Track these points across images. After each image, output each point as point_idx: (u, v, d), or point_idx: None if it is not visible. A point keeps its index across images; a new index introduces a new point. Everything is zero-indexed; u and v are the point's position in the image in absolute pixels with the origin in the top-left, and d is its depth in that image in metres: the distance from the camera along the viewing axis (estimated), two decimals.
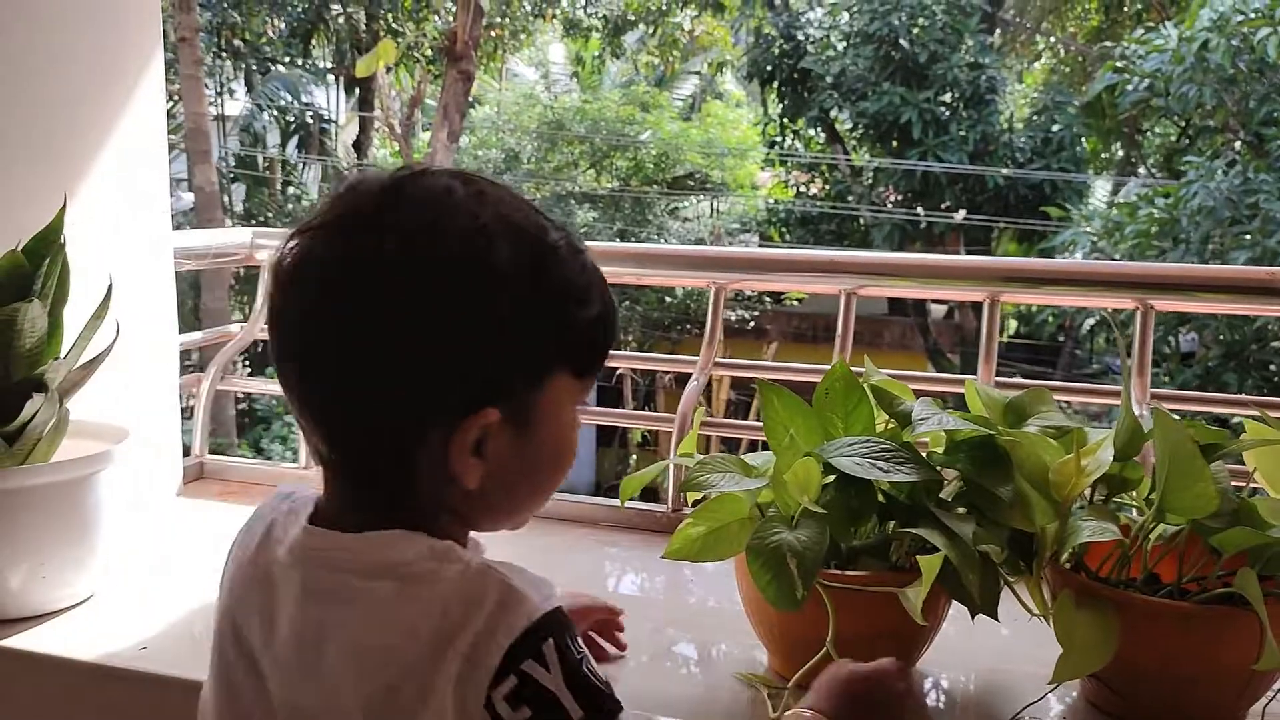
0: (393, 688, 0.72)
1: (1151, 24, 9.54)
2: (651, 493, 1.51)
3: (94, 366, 1.36)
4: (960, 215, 14.57)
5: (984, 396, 1.19)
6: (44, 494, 1.27)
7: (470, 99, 12.76)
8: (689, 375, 1.72)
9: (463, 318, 0.74)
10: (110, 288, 1.34)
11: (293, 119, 17.29)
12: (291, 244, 0.77)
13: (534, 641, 0.71)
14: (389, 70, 13.70)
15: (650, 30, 18.06)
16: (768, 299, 15.02)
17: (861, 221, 15.21)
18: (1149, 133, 13.84)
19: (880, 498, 1.11)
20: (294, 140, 17.71)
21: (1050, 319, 12.87)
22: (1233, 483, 1.06)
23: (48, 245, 1.28)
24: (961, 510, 1.11)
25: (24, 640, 1.27)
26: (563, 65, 20.97)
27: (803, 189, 16.80)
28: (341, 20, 16.20)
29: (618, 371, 12.50)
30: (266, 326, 0.80)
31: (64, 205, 1.29)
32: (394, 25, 13.98)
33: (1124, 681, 1.07)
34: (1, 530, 1.27)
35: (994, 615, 1.07)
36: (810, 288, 1.76)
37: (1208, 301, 1.79)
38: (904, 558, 1.12)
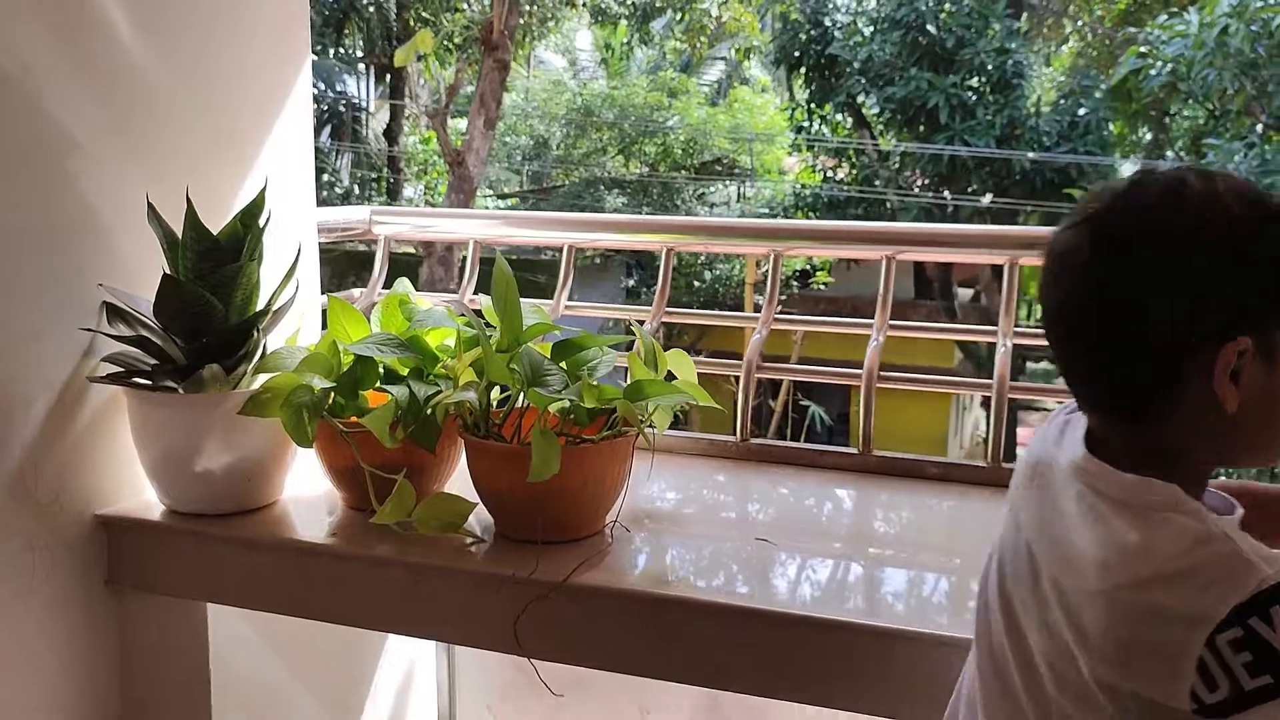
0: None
1: (1175, 9, 9.71)
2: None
3: (282, 315, 1.69)
4: (987, 199, 14.76)
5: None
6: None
7: (504, 86, 13.05)
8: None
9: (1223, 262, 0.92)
10: (299, 252, 1.68)
11: (325, 107, 17.67)
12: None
13: (1262, 604, 0.85)
14: (419, 59, 13.99)
15: (678, 16, 18.20)
16: (795, 284, 15.31)
17: (888, 205, 15.42)
18: (1176, 116, 13.98)
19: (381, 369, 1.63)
20: (327, 128, 18.10)
21: None
22: None
23: (253, 217, 1.61)
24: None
25: (238, 528, 1.61)
26: (590, 52, 21.21)
27: (830, 174, 17.01)
28: (372, 10, 16.55)
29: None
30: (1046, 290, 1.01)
31: (265, 186, 1.62)
32: (424, 14, 14.27)
33: None
34: (218, 442, 1.61)
35: (431, 448, 1.56)
36: (856, 254, 2.06)
37: None
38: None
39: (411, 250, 12.20)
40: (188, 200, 1.54)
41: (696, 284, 15.01)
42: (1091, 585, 0.92)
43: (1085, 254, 0.96)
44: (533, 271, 11.02)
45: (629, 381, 1.58)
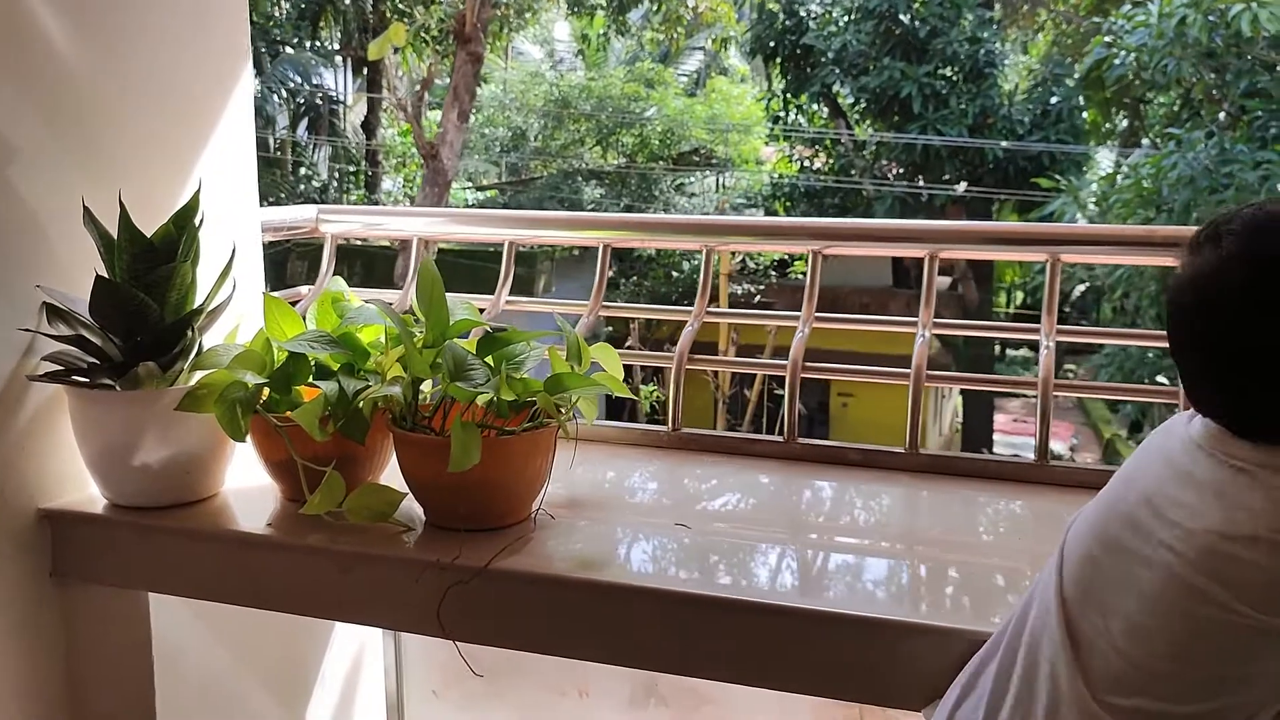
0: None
1: None
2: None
3: (218, 313, 1.75)
4: (961, 187, 14.87)
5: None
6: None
7: (478, 79, 13.08)
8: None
9: None
10: (234, 252, 1.73)
11: (302, 101, 17.62)
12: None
13: None
14: (396, 51, 13.98)
15: (654, 7, 18.22)
16: (773, 274, 15.40)
17: (864, 194, 15.52)
18: (1153, 104, 14.12)
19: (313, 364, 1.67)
20: (304, 122, 18.05)
21: None
22: None
23: (187, 219, 1.67)
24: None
25: (178, 519, 1.68)
26: (568, 43, 21.21)
27: (806, 163, 17.09)
28: (349, 2, 16.51)
29: (628, 342, 12.90)
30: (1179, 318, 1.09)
31: (199, 189, 1.68)
32: (401, 7, 14.26)
33: None
34: (155, 437, 1.66)
35: (361, 440, 1.60)
36: (781, 248, 2.14)
37: (1102, 254, 2.17)
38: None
39: (387, 244, 12.24)
40: (120, 204, 1.59)
41: (675, 274, 15.10)
42: (1245, 531, 1.01)
43: (1226, 276, 1.03)
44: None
45: (550, 375, 1.64)
